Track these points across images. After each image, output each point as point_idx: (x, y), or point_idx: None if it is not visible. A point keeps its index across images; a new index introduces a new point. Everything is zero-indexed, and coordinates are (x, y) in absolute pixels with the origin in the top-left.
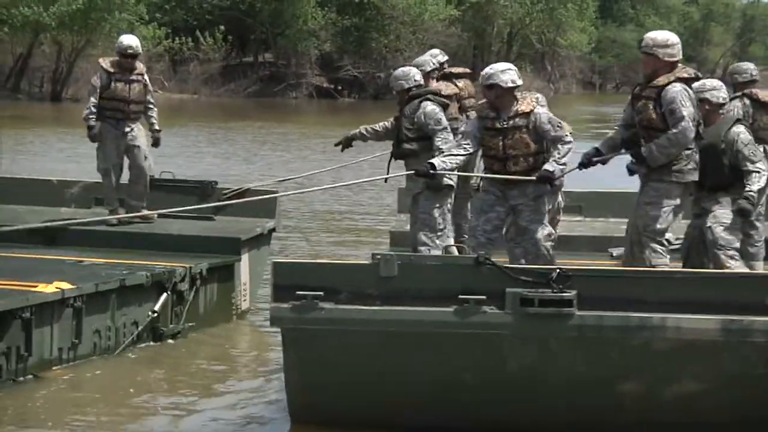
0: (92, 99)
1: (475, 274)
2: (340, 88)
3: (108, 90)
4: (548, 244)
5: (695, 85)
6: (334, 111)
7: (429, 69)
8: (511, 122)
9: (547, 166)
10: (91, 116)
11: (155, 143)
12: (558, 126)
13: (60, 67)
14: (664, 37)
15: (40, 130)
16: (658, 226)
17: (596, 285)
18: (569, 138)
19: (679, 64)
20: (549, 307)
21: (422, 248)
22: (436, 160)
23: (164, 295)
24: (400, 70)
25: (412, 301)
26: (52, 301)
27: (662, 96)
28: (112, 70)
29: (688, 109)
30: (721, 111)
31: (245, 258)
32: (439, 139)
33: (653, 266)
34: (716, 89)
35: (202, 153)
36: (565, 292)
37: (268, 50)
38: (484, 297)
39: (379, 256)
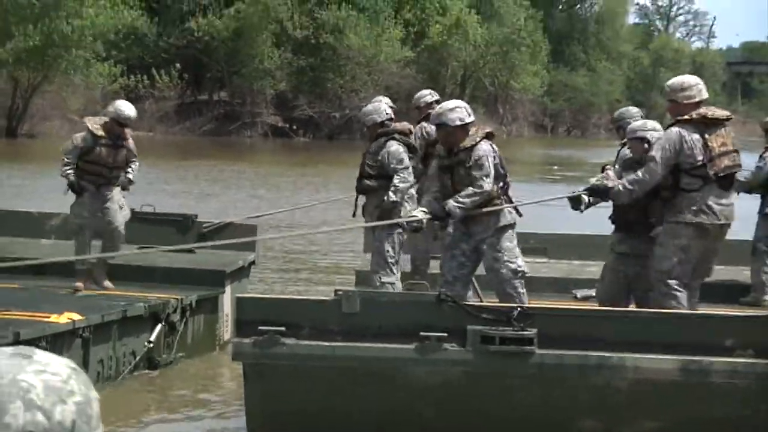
0: (70, 157)
1: (437, 312)
2: (295, 127)
3: (92, 154)
4: (516, 282)
5: (635, 125)
6: (290, 150)
7: (379, 120)
8: (455, 158)
9: (446, 203)
10: (69, 171)
11: (124, 187)
12: (481, 171)
13: (16, 103)
14: (681, 81)
15: None
16: (663, 266)
17: (557, 324)
18: (483, 186)
19: (702, 106)
20: (510, 345)
21: (375, 276)
22: (447, 203)
23: (159, 325)
24: (370, 105)
25: (373, 337)
26: (64, 332)
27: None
28: (99, 134)
29: (661, 152)
30: None
31: (228, 290)
32: (398, 178)
33: (663, 308)
34: (656, 130)
35: (159, 190)
36: (526, 331)
37: (224, 89)
38: (445, 334)
39: (341, 293)
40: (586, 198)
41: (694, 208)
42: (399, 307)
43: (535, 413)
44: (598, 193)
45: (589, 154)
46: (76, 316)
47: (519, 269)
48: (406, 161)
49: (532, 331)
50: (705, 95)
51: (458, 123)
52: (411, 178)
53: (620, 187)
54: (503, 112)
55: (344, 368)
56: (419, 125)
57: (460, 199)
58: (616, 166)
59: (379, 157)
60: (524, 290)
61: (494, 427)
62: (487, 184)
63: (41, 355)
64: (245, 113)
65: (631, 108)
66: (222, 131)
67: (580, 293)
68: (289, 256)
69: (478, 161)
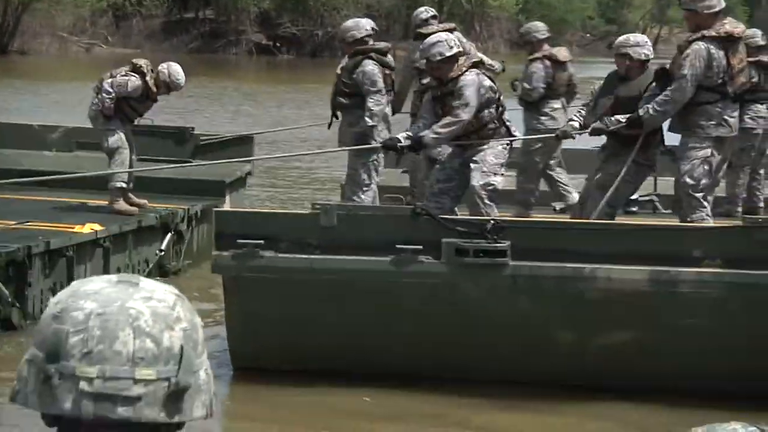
0: (113, 93)
1: (412, 225)
2: (278, 45)
3: (132, 100)
4: (484, 193)
5: (619, 40)
6: (274, 67)
7: (359, 36)
8: (444, 89)
9: (422, 132)
10: (110, 104)
11: None
12: (460, 101)
13: (6, 21)
14: None
15: None
16: (692, 178)
17: (530, 236)
18: (459, 113)
19: (725, 18)
20: (483, 257)
21: (347, 202)
22: (424, 132)
23: (168, 234)
24: (350, 21)
25: (350, 250)
26: (87, 241)
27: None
28: (153, 91)
29: (691, 70)
30: (644, 67)
31: (228, 199)
32: (372, 101)
33: (691, 221)
34: (639, 45)
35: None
36: (500, 243)
37: (209, 7)
38: (420, 247)
39: (318, 207)
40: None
41: (714, 122)
42: (375, 220)
43: (509, 324)
44: (603, 131)
45: None
46: (97, 227)
47: (490, 184)
48: (380, 83)
49: (505, 243)
50: (723, 4)
51: (438, 58)
52: (384, 100)
53: (651, 112)
54: (480, 29)
55: (322, 281)
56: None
57: (437, 129)
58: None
59: (354, 75)
60: (492, 204)
61: (469, 339)
62: (465, 113)
63: (146, 283)
64: (230, 31)
65: (537, 23)
66: (207, 49)
67: (558, 206)
68: (275, 171)
69: (458, 90)
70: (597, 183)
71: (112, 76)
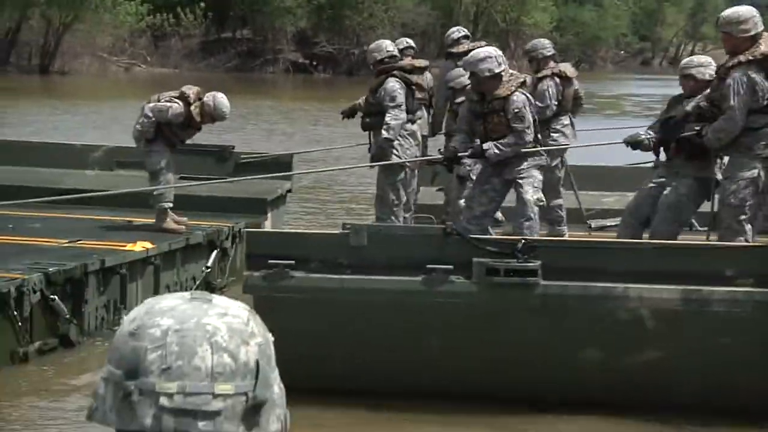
0: (152, 118)
1: (443, 245)
2: (315, 63)
3: (174, 126)
4: (536, 208)
5: (684, 61)
6: (310, 86)
7: (379, 58)
8: (489, 106)
9: (485, 144)
10: (150, 129)
11: None
12: (521, 121)
13: (48, 42)
14: (736, 14)
15: (29, 102)
16: (736, 200)
17: (561, 255)
18: (525, 137)
19: (759, 38)
20: (514, 276)
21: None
22: (488, 145)
23: (214, 252)
24: (374, 44)
25: (381, 270)
26: (139, 259)
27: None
28: (197, 120)
29: (738, 99)
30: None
31: (269, 217)
32: (389, 115)
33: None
34: (703, 66)
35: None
36: (530, 262)
37: (246, 26)
38: (451, 267)
39: (349, 227)
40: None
41: (763, 142)
42: (406, 240)
43: (539, 344)
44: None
45: (597, 86)
46: (148, 245)
47: (541, 199)
48: (399, 99)
49: (536, 263)
50: (761, 27)
51: (487, 74)
52: (403, 116)
53: (709, 136)
54: (515, 47)
55: (352, 301)
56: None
57: (501, 147)
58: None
59: (378, 95)
60: (537, 218)
61: (498, 358)
62: (529, 136)
63: (219, 299)
64: (267, 50)
65: (542, 40)
66: (245, 67)
67: (594, 223)
68: (313, 189)
69: (518, 113)
70: (666, 201)
71: (156, 101)
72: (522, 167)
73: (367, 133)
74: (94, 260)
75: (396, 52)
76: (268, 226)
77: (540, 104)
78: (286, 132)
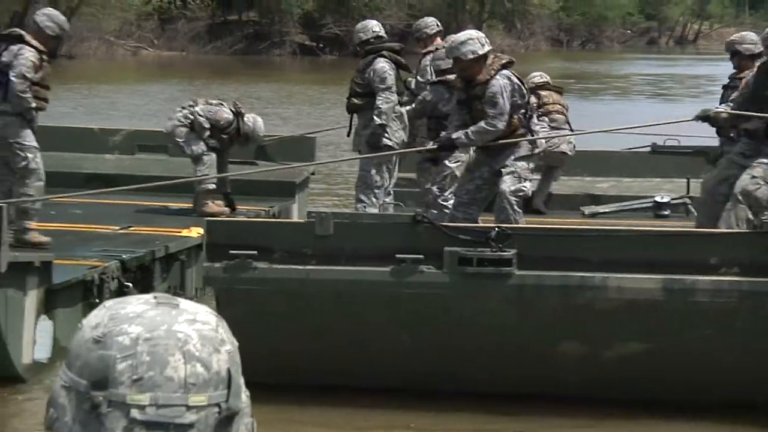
0: (204, 117)
1: (413, 233)
2: (322, 45)
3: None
4: (513, 199)
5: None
6: (317, 68)
7: (365, 38)
8: (471, 92)
9: (455, 133)
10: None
11: None
12: (493, 106)
13: None
14: None
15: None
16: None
17: (537, 244)
18: (496, 123)
19: None
20: (488, 266)
21: (359, 205)
22: (457, 134)
23: None
24: (360, 24)
25: (348, 260)
26: (196, 245)
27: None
28: (235, 133)
29: None
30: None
31: (297, 200)
32: (380, 98)
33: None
34: (745, 42)
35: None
36: (504, 251)
37: (252, 9)
38: (421, 256)
39: (314, 215)
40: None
41: None
42: (374, 229)
43: (515, 336)
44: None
45: (603, 67)
46: (200, 230)
47: (520, 190)
48: (390, 80)
49: (510, 252)
50: None
51: (471, 57)
52: (394, 98)
53: None
54: (521, 27)
55: (318, 293)
56: (429, 58)
57: (470, 134)
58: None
59: (366, 75)
60: (520, 211)
61: (472, 351)
62: (501, 123)
63: (186, 304)
64: (274, 32)
65: (426, 18)
66: (252, 50)
67: (588, 210)
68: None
69: (492, 98)
70: (741, 189)
71: (207, 103)
72: (509, 157)
73: (348, 115)
74: (160, 247)
75: (382, 33)
76: (295, 210)
77: (421, 79)
78: (294, 115)
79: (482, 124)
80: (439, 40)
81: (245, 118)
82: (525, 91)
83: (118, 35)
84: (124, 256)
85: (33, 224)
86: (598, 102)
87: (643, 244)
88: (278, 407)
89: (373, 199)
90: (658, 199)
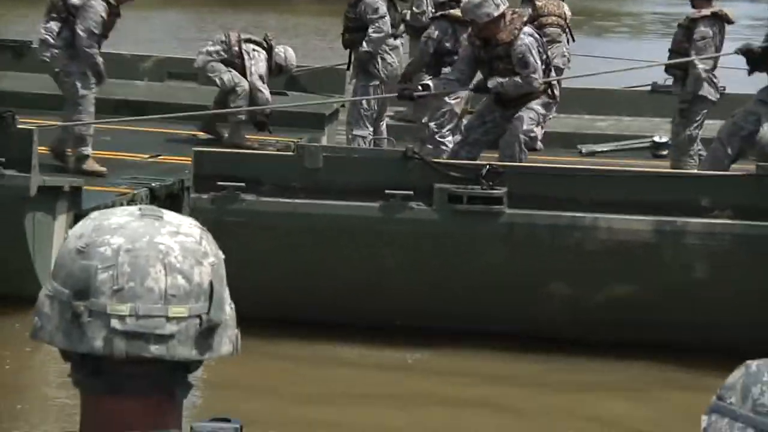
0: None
1: (403, 169)
2: None
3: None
4: (523, 138)
5: None
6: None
7: None
8: (492, 52)
9: (489, 81)
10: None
11: None
12: (525, 66)
13: None
14: None
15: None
16: None
17: (528, 182)
18: (532, 81)
19: None
20: (478, 204)
21: (347, 127)
22: (492, 82)
23: None
24: None
25: (337, 194)
26: None
27: None
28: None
29: None
30: None
31: (326, 131)
32: (373, 27)
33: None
34: None
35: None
36: (495, 189)
37: None
38: (411, 192)
39: (302, 147)
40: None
41: None
42: (364, 163)
43: (504, 275)
44: None
45: (614, 4)
46: None
47: (532, 131)
48: (381, 10)
49: (501, 190)
50: None
51: (485, 19)
52: (386, 28)
53: None
54: None
55: (306, 227)
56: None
57: (505, 85)
58: None
59: (358, 9)
60: (526, 152)
61: (461, 290)
62: (537, 81)
63: (170, 216)
64: None
65: None
66: None
67: (585, 148)
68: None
69: (522, 58)
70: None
71: (249, 41)
72: (522, 106)
73: (347, 51)
74: (188, 175)
75: None
76: (324, 141)
77: (416, 10)
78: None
79: (518, 79)
80: None
81: (276, 50)
82: (545, 48)
83: None
84: (153, 184)
85: (90, 150)
86: (609, 40)
87: (635, 185)
88: (266, 340)
89: (363, 124)
90: (656, 138)
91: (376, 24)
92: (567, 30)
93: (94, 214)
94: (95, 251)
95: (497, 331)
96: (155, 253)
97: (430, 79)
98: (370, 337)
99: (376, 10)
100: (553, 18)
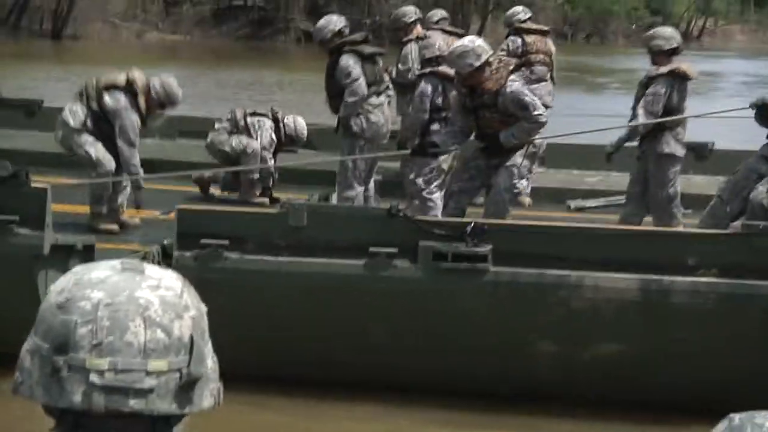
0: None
1: (388, 226)
2: None
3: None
4: (508, 196)
5: None
6: (321, 56)
7: (329, 37)
8: (478, 100)
9: (501, 135)
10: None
11: None
12: (525, 109)
13: (61, 7)
14: None
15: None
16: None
17: (513, 240)
18: (537, 119)
19: None
20: (463, 261)
21: (337, 188)
22: (504, 136)
23: None
24: (321, 21)
25: (321, 252)
26: None
27: None
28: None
29: None
30: None
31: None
32: (347, 92)
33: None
34: None
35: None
36: (480, 247)
37: None
38: (395, 250)
39: (287, 205)
40: None
41: None
42: (348, 221)
43: (489, 334)
44: None
45: (607, 60)
46: None
47: (516, 187)
48: (355, 73)
49: (486, 248)
50: None
51: (468, 69)
52: (361, 90)
53: None
54: None
55: (290, 285)
56: (410, 47)
57: (516, 133)
58: None
59: (335, 73)
60: (505, 204)
61: (446, 348)
62: (541, 116)
63: (152, 270)
64: (279, 19)
65: (404, 7)
66: (257, 36)
67: (573, 204)
68: None
69: (518, 102)
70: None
71: (255, 114)
72: (507, 152)
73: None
74: None
75: (343, 27)
76: (334, 199)
77: (402, 67)
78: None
79: (524, 124)
80: (419, 27)
81: (286, 120)
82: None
83: (123, 18)
84: (165, 241)
85: (104, 209)
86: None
87: (621, 243)
88: (249, 396)
89: (352, 184)
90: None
91: (350, 88)
92: (551, 68)
93: (77, 269)
94: (75, 306)
95: (482, 390)
96: (135, 307)
97: (434, 132)
98: (353, 394)
99: (348, 75)
100: (541, 56)
